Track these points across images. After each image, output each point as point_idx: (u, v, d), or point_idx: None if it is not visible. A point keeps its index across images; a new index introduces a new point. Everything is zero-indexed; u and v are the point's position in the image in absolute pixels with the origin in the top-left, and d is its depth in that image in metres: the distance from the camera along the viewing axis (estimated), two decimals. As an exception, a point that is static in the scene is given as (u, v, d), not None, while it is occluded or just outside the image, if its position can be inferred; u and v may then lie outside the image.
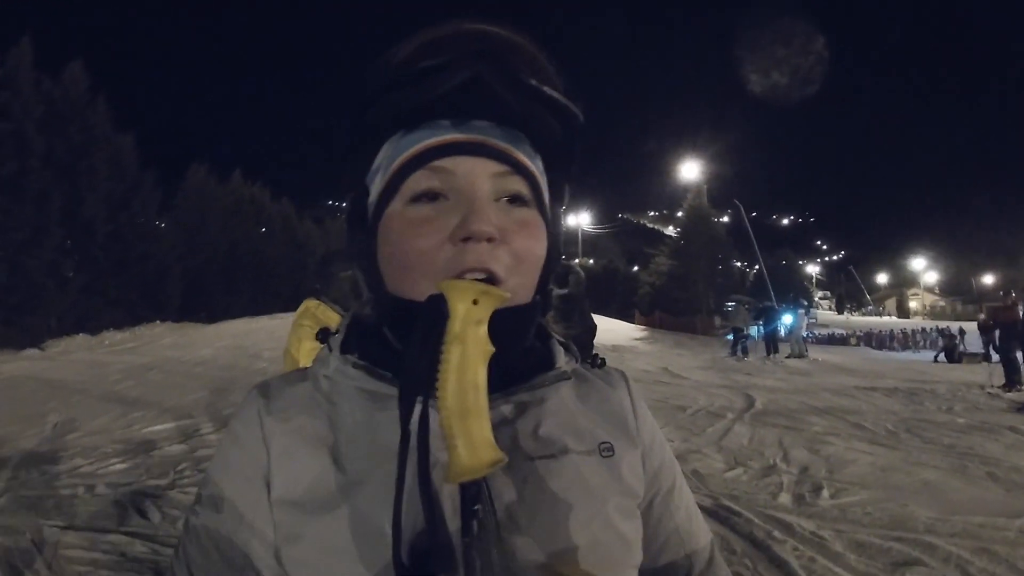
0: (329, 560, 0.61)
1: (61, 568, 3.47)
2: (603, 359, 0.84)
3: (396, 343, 0.68)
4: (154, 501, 4.46)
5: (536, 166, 0.69)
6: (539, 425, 0.69)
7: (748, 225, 31.36)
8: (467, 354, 0.57)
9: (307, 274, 29.72)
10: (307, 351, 2.68)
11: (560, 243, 0.74)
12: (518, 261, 0.65)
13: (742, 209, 34.79)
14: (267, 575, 0.65)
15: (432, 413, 0.58)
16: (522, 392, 0.69)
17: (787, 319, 20.75)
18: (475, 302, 0.58)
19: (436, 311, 0.58)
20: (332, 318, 2.66)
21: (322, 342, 0.75)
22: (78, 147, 17.68)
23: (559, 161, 0.72)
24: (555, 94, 0.65)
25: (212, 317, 22.32)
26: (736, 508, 4.40)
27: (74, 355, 14.02)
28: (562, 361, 0.74)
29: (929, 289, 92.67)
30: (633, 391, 0.82)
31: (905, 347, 31.79)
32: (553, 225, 0.72)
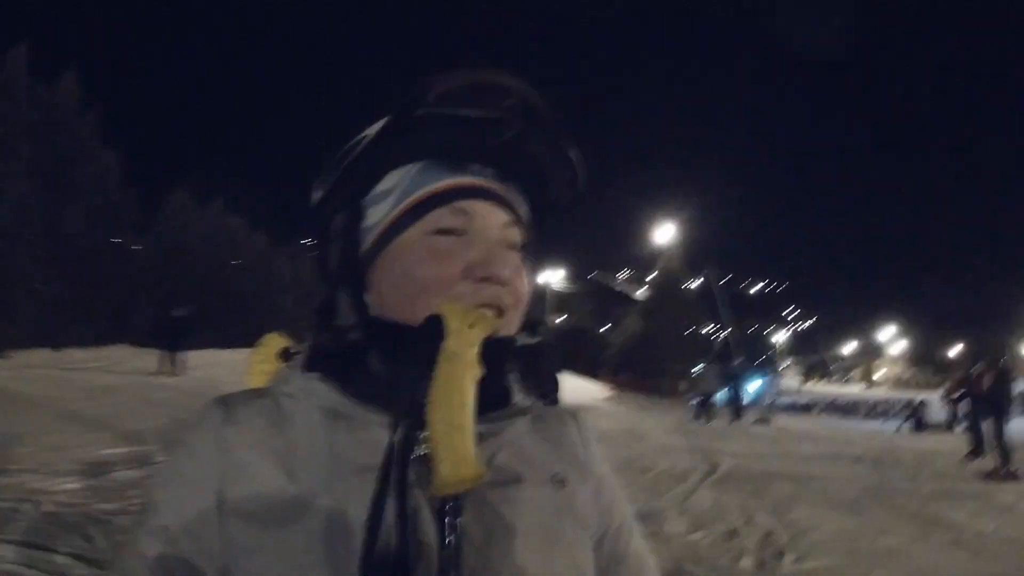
0: (288, 571, 0.61)
1: (-4, 586, 3.34)
2: (556, 397, 0.86)
3: (379, 367, 0.69)
4: (101, 525, 4.32)
5: (527, 221, 0.76)
6: (495, 455, 0.71)
7: (717, 292, 31.74)
8: (459, 373, 0.60)
9: (278, 310, 29.43)
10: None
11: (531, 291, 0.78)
12: (516, 300, 0.71)
13: (712, 276, 35.28)
14: None
15: (415, 433, 0.61)
16: (481, 423, 0.68)
17: (754, 385, 20.89)
18: (471, 326, 0.62)
19: (434, 330, 0.62)
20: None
21: (284, 361, 0.76)
22: (64, 158, 17.59)
23: (543, 220, 0.79)
24: (579, 160, 0.74)
25: (179, 345, 21.91)
26: (698, 572, 4.37)
27: (36, 368, 13.75)
28: (519, 398, 0.76)
29: (895, 360, 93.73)
30: (583, 426, 0.85)
31: (869, 416, 32.04)
32: (531, 275, 0.77)
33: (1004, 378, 10.13)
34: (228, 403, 0.71)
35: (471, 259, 0.68)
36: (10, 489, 4.93)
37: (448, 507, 0.62)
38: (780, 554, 4.81)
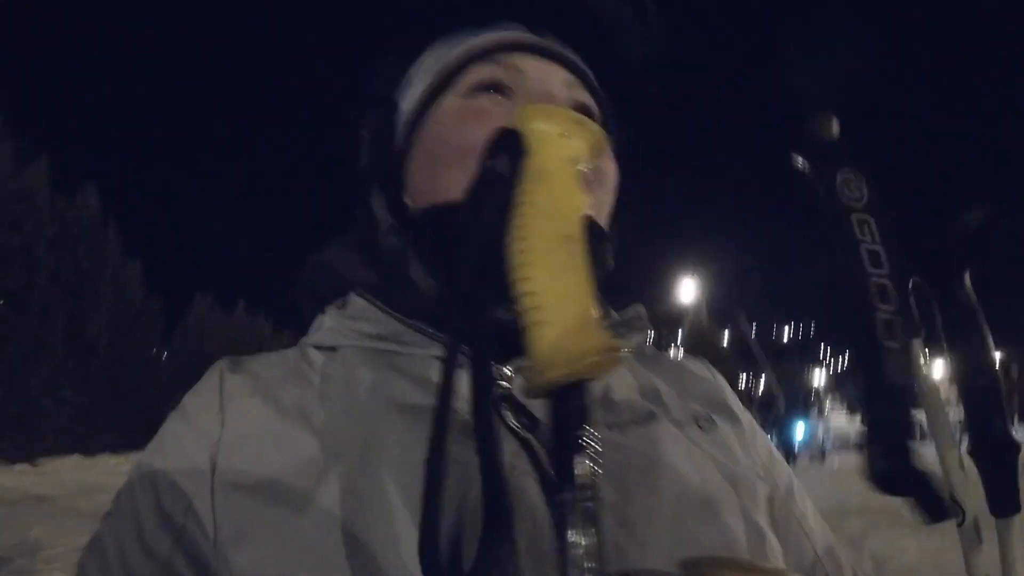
0: (294, 561, 0.43)
1: None
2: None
3: (425, 279, 0.53)
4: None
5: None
6: (608, 391, 0.52)
7: (749, 339, 31.48)
8: (557, 194, 0.42)
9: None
10: None
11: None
12: (599, 175, 0.54)
13: (742, 325, 35.05)
14: None
15: (490, 366, 0.42)
16: None
17: (800, 427, 20.56)
18: (562, 134, 0.45)
19: (510, 144, 0.45)
20: None
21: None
22: (86, 269, 18.17)
23: (619, 95, 0.61)
24: (653, 11, 0.58)
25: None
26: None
27: (66, 474, 13.88)
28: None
29: (940, 382, 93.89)
30: (714, 371, 0.67)
31: (924, 439, 31.56)
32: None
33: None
34: (238, 360, 0.56)
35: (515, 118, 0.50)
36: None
37: (563, 443, 0.41)
38: (867, 583, 4.50)
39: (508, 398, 0.46)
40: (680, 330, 39.10)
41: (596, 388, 0.50)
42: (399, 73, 0.59)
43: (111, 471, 15.06)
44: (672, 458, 0.49)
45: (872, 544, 5.89)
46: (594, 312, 0.38)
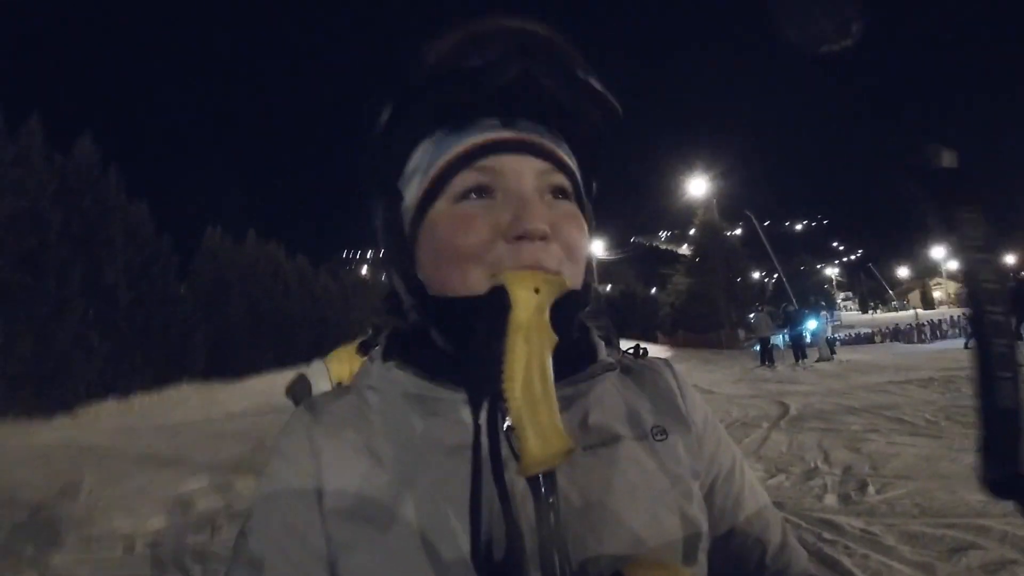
0: (393, 567, 0.60)
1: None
2: (645, 349, 0.85)
3: (445, 345, 0.67)
4: (194, 556, 4.47)
5: (574, 163, 0.71)
6: (587, 415, 0.69)
7: (762, 234, 31.24)
8: (533, 344, 0.56)
9: (327, 327, 29.84)
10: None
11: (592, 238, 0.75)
12: (569, 252, 0.65)
13: (754, 219, 34.72)
14: None
15: (499, 407, 0.56)
16: (568, 386, 0.67)
17: (811, 324, 20.52)
18: (536, 291, 0.58)
19: (499, 302, 0.58)
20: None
21: (363, 355, 0.75)
22: (94, 219, 17.97)
23: (592, 158, 0.74)
24: (601, 88, 0.67)
25: (238, 375, 22.45)
26: (782, 514, 4.33)
27: (105, 420, 14.15)
28: (604, 353, 0.74)
29: (952, 276, 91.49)
30: (679, 375, 0.81)
31: (934, 337, 31.23)
32: (589, 219, 0.73)
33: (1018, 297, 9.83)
34: (315, 407, 0.71)
35: (501, 218, 0.63)
36: (103, 537, 5.10)
37: (541, 481, 0.57)
38: (863, 486, 4.73)
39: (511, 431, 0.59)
40: (695, 225, 38.82)
41: (579, 413, 0.68)
42: (400, 163, 0.70)
43: (147, 411, 15.51)
44: (627, 472, 0.66)
45: (871, 445, 6.00)
46: (557, 423, 0.54)
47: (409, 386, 0.67)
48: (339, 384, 2.78)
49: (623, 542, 0.62)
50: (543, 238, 0.63)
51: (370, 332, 2.97)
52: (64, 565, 4.43)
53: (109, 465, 8.34)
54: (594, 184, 0.76)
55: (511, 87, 0.63)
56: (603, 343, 0.76)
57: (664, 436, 0.72)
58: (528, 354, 0.55)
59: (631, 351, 0.84)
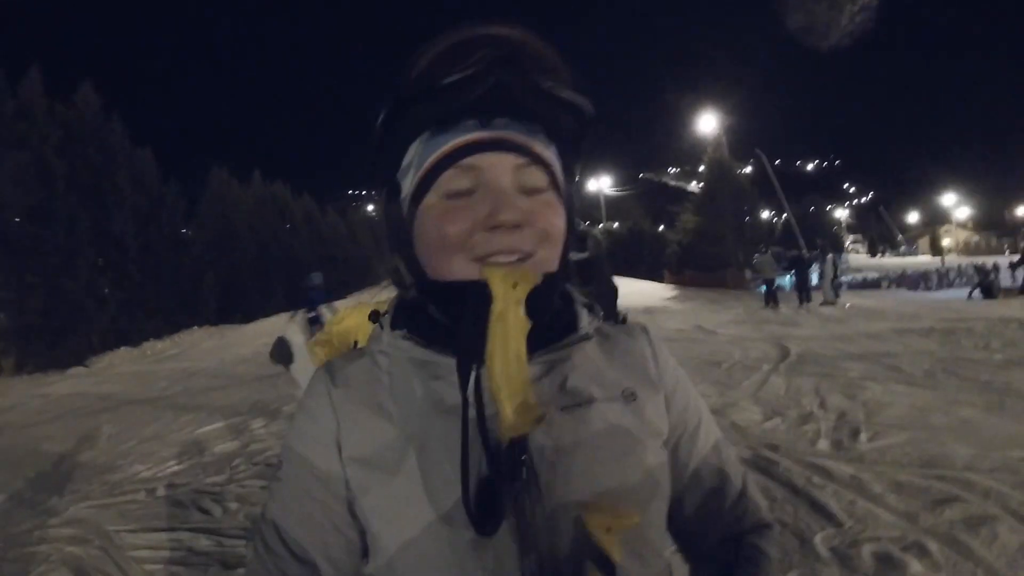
0: (399, 506, 0.73)
1: (132, 570, 3.66)
2: (625, 316, 0.95)
3: (441, 318, 0.77)
4: (213, 497, 4.67)
5: (551, 153, 0.78)
6: (566, 380, 0.79)
7: (772, 173, 30.93)
8: (509, 331, 0.67)
9: (336, 265, 29.95)
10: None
11: (575, 217, 0.83)
12: (544, 237, 0.74)
13: (764, 158, 34.34)
14: (342, 532, 0.76)
15: (484, 379, 0.68)
16: (550, 353, 0.78)
17: (816, 267, 20.44)
18: (514, 285, 0.68)
19: (482, 294, 0.68)
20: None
21: (374, 322, 0.87)
22: (99, 167, 17.93)
23: (571, 146, 0.81)
24: (568, 95, 0.75)
25: (248, 317, 22.72)
26: (775, 457, 4.48)
27: (119, 368, 14.38)
28: (585, 322, 0.83)
29: (962, 225, 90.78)
30: (653, 340, 0.91)
31: (940, 286, 31.18)
32: (568, 202, 0.80)
33: None
34: (333, 369, 0.83)
35: (480, 211, 0.72)
36: (123, 483, 5.31)
37: (517, 440, 0.68)
38: (855, 433, 4.88)
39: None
40: (704, 162, 38.19)
41: (558, 377, 0.78)
42: (397, 159, 0.79)
43: (160, 357, 15.76)
44: (597, 430, 0.76)
45: (867, 393, 6.13)
46: (529, 397, 0.66)
47: (414, 352, 0.78)
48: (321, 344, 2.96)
49: (588, 490, 0.73)
50: (517, 226, 0.72)
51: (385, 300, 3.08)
52: (89, 513, 4.63)
53: (126, 413, 8.57)
54: (577, 166, 0.84)
55: (488, 94, 0.71)
56: (585, 312, 0.85)
57: (634, 398, 0.81)
58: (505, 339, 0.67)
59: (612, 320, 0.94)
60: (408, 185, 0.78)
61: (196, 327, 20.07)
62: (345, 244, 32.82)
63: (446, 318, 0.76)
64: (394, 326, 0.82)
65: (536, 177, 0.75)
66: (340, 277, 28.80)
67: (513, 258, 0.72)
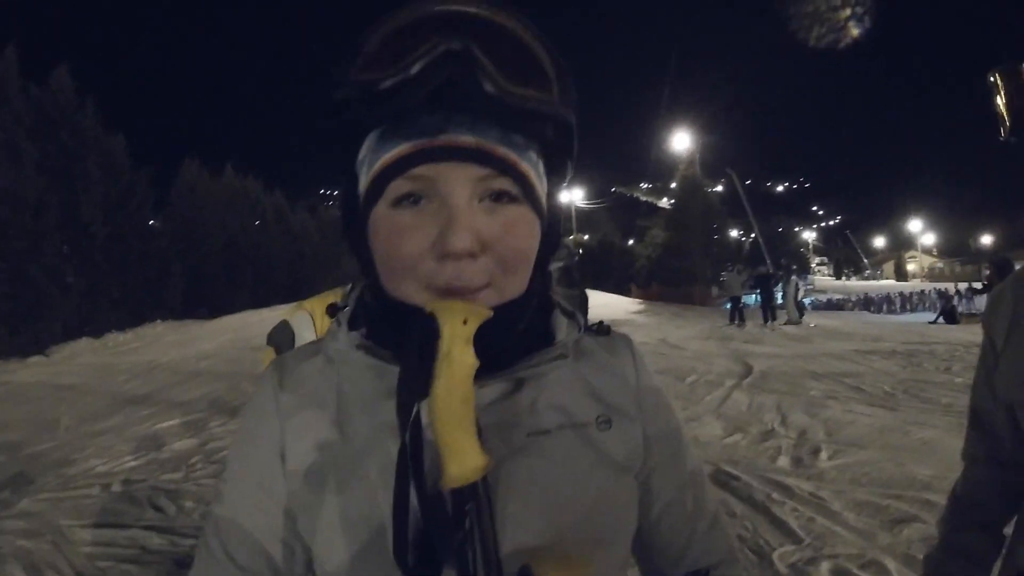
0: (336, 535, 0.65)
1: (83, 566, 3.57)
2: (608, 326, 0.82)
3: (392, 332, 0.69)
4: (168, 495, 4.59)
5: (527, 157, 0.66)
6: (536, 401, 0.70)
7: (742, 193, 31.35)
8: (455, 372, 0.59)
9: (304, 264, 29.68)
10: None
11: (559, 223, 0.73)
12: (505, 265, 0.64)
13: (736, 178, 34.80)
14: (286, 542, 0.70)
15: (427, 419, 0.59)
16: (520, 369, 0.70)
17: (780, 287, 20.74)
18: (464, 321, 0.60)
19: (427, 329, 0.59)
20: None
21: (331, 316, 0.80)
22: (71, 152, 17.60)
23: (555, 150, 0.69)
24: (541, 106, 0.62)
25: (214, 312, 22.38)
26: (735, 472, 4.51)
27: (80, 359, 14.14)
28: (563, 334, 0.74)
29: (927, 251, 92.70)
30: (637, 356, 0.81)
31: (903, 310, 31.83)
32: (551, 210, 0.71)
33: (1000, 268, 10.23)
34: (284, 368, 0.75)
35: (432, 230, 0.61)
36: (79, 477, 5.20)
37: (464, 491, 0.59)
38: (816, 451, 4.93)
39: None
40: (676, 179, 38.61)
41: (526, 399, 0.69)
42: (354, 149, 0.68)
43: (122, 349, 15.49)
44: (561, 464, 0.68)
45: (828, 412, 6.19)
46: (474, 445, 0.58)
47: (368, 359, 0.70)
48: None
49: (541, 535, 0.65)
50: (471, 255, 0.61)
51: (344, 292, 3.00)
52: (43, 507, 4.52)
53: (85, 405, 8.41)
54: (568, 163, 0.72)
55: (443, 89, 0.58)
56: (564, 322, 0.76)
57: (608, 426, 0.72)
58: (449, 382, 0.59)
59: (594, 327, 0.82)
60: (363, 182, 0.67)
61: (159, 320, 19.73)
62: (315, 242, 32.47)
63: (395, 334, 0.67)
64: (354, 325, 0.73)
65: (503, 187, 0.63)
66: (310, 276, 28.52)
67: (466, 290, 0.62)
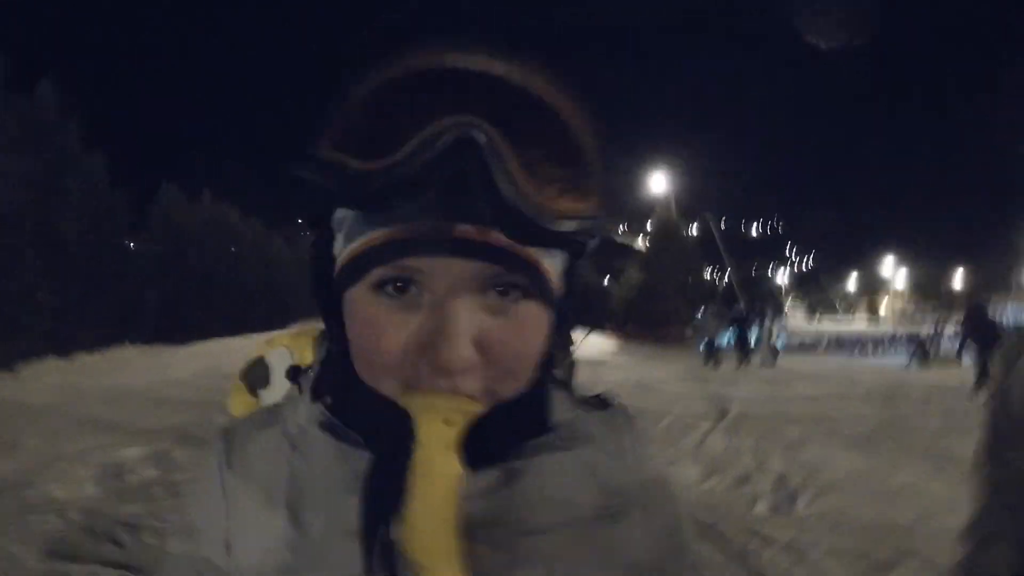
0: None
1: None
2: (606, 399, 0.70)
3: (361, 419, 0.59)
4: (127, 528, 4.42)
5: (547, 252, 0.53)
6: (528, 495, 0.58)
7: (718, 236, 31.71)
8: (436, 488, 0.49)
9: (280, 294, 29.52)
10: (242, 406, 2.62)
11: (569, 320, 0.62)
12: (505, 372, 0.53)
13: (712, 221, 35.27)
14: None
15: (394, 555, 0.50)
16: (512, 459, 0.59)
17: (755, 329, 20.91)
18: (446, 422, 0.50)
19: (401, 429, 0.50)
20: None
21: (292, 381, 0.67)
22: (51, 167, 17.42)
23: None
24: (577, 228, 0.51)
25: (186, 338, 22.08)
26: (712, 520, 4.44)
27: (46, 379, 13.76)
28: (559, 412, 0.64)
29: (899, 294, 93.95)
30: (638, 438, 0.69)
31: (875, 352, 32.15)
32: (560, 303, 0.57)
33: (975, 312, 10.60)
34: (232, 440, 0.64)
35: (420, 331, 0.51)
36: (37, 503, 5.00)
37: None
38: (794, 496, 4.89)
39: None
40: (652, 220, 39.09)
41: (518, 492, 0.57)
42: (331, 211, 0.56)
43: (90, 370, 15.10)
44: (567, 569, 0.57)
45: (805, 455, 6.18)
46: (456, 566, 0.48)
47: (332, 440, 0.59)
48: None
49: None
50: (464, 369, 0.50)
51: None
52: (-2, 530, 4.35)
53: (48, 427, 8.14)
54: (583, 259, 0.60)
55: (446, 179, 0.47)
56: (559, 395, 0.65)
57: (608, 522, 0.61)
58: (429, 500, 0.49)
59: (591, 400, 0.70)
60: (338, 247, 0.55)
61: (129, 344, 19.40)
62: (291, 272, 32.29)
63: (366, 424, 0.57)
64: (317, 394, 0.62)
65: (511, 281, 0.51)
66: (285, 306, 28.32)
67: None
